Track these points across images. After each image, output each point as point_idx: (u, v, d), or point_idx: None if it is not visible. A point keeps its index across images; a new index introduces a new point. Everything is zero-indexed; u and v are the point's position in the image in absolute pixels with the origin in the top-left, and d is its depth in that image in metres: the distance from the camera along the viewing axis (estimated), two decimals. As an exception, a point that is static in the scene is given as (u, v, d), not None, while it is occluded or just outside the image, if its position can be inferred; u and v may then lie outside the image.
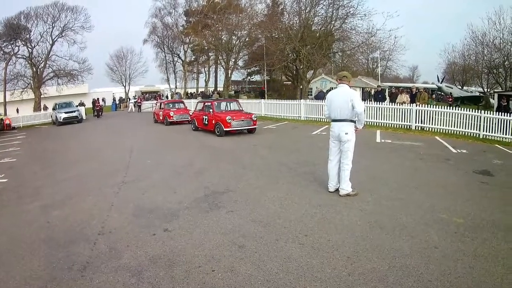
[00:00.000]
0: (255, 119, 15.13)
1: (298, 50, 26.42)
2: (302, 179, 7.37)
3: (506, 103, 18.35)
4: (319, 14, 27.19)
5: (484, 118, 14.36)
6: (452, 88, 39.39)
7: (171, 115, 20.72)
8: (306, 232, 4.61)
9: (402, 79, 63.86)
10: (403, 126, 16.37)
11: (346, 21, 25.96)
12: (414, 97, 16.92)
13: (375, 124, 17.20)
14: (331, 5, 25.90)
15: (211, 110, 15.46)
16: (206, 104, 16.63)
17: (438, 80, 39.28)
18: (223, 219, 5.06)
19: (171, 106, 22.70)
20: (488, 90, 39.63)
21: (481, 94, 36.38)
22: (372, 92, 28.67)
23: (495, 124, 14.12)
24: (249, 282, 3.42)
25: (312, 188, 6.72)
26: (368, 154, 10.03)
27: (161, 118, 21.71)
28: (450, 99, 29.51)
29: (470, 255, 4.04)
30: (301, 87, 28.42)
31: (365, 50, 29.96)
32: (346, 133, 5.92)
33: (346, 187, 6.12)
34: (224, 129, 14.14)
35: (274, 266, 3.68)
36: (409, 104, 16.44)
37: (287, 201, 5.96)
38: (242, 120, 14.67)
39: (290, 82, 35.51)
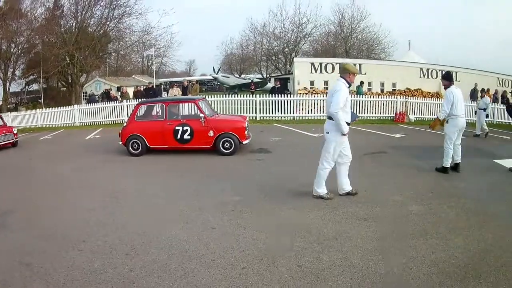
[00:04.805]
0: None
1: (71, 54, 26.73)
2: (77, 185, 7.50)
3: (279, 85, 21.66)
4: (96, 15, 28.23)
5: (260, 101, 16.73)
6: (229, 77, 44.40)
7: None
8: (84, 237, 4.70)
9: (179, 74, 67.80)
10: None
11: (121, 20, 27.53)
12: (186, 90, 18.91)
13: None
14: (108, 5, 27.01)
15: (201, 116, 9.86)
16: (173, 106, 10.81)
17: (214, 71, 43.41)
18: (8, 240, 4.92)
19: None
20: (267, 76, 45.93)
21: (260, 80, 41.71)
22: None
23: (271, 106, 16.65)
24: (40, 298, 3.52)
25: (85, 193, 6.86)
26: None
27: None
28: (253, 87, 32.32)
29: (251, 228, 4.61)
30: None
31: (140, 49, 32.13)
32: (327, 132, 5.65)
33: (316, 188, 5.79)
34: (242, 142, 9.82)
35: (60, 277, 3.78)
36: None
37: (61, 211, 5.97)
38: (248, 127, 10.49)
39: (65, 88, 34.76)
